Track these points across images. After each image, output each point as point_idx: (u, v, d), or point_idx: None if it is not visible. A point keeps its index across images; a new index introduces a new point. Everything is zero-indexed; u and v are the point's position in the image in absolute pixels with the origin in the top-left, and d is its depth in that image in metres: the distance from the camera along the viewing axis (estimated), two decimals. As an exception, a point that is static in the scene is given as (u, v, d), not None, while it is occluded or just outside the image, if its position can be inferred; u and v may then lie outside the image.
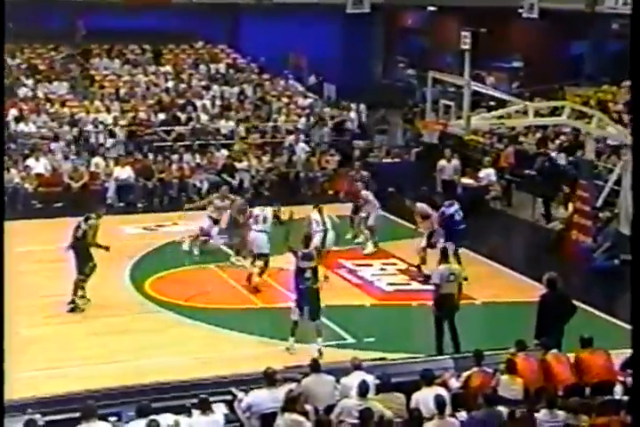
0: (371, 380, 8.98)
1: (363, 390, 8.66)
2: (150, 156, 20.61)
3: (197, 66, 25.55)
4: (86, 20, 25.28)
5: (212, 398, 8.65)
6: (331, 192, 19.81)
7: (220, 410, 8.74)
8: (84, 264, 13.27)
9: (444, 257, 12.05)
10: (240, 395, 8.98)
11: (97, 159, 20.22)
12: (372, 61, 31.68)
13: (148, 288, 14.21)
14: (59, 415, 8.58)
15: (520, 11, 25.86)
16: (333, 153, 21.84)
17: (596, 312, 13.33)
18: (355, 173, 17.42)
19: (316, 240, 14.22)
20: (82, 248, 13.29)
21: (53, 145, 20.46)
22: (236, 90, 24.44)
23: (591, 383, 9.46)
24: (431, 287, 12.02)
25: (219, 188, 18.75)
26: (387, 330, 12.65)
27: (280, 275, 14.73)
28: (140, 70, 24.66)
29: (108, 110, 22.20)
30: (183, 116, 22.46)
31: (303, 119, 23.27)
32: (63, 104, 22.39)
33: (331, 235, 14.92)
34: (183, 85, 24.13)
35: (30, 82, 22.99)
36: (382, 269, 15.39)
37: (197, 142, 21.56)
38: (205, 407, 8.47)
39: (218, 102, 23.61)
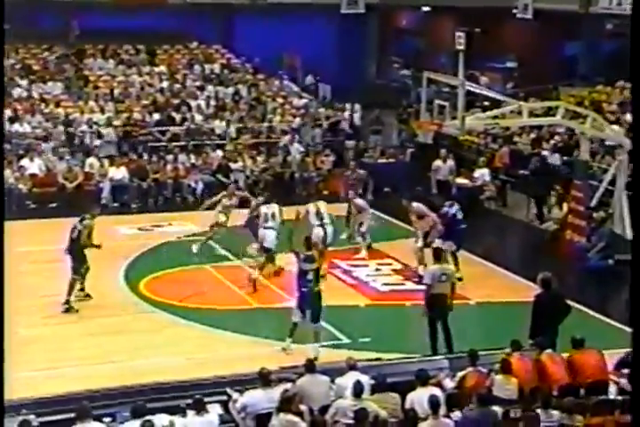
0: (365, 380, 8.99)
1: (357, 390, 8.67)
2: (145, 156, 20.60)
3: (192, 66, 25.53)
4: (80, 20, 25.25)
5: (206, 399, 8.65)
6: (326, 192, 19.80)
7: (214, 410, 8.74)
8: (80, 265, 13.27)
9: (436, 257, 12.06)
10: (235, 395, 8.99)
11: (91, 160, 20.20)
12: (367, 62, 31.70)
13: (142, 288, 14.21)
14: (53, 416, 8.57)
15: (514, 11, 25.91)
16: (328, 153, 21.85)
17: (591, 312, 13.36)
18: (351, 172, 17.42)
19: (316, 236, 14.26)
20: (77, 250, 13.30)
21: (47, 145, 20.43)
22: (230, 90, 24.43)
23: (585, 384, 9.48)
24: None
25: (213, 188, 18.81)
26: (382, 330, 12.66)
27: (274, 275, 14.77)
28: (134, 70, 24.64)
29: (103, 111, 22.18)
30: (178, 117, 22.45)
31: (298, 119, 23.28)
32: (57, 104, 22.36)
33: (330, 230, 14.96)
34: (178, 86, 24.12)
35: (24, 82, 22.95)
36: (377, 270, 15.40)
37: (192, 143, 21.56)
38: (200, 408, 8.47)
39: (212, 103, 23.60)
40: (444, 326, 11.56)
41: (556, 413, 8.52)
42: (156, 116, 22.41)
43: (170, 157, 20.66)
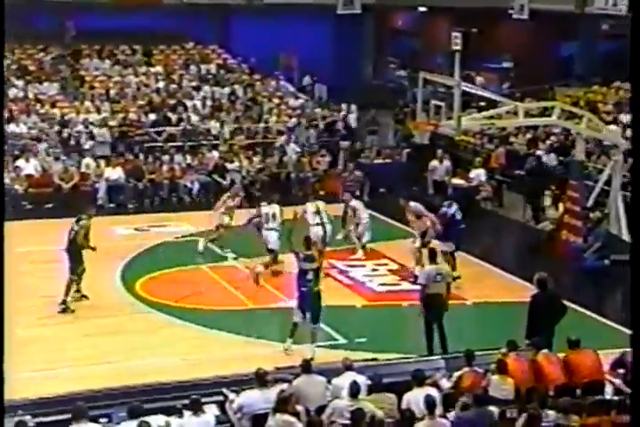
0: (362, 380, 8.99)
1: (354, 390, 8.67)
2: (141, 156, 20.59)
3: (188, 66, 25.52)
4: (76, 21, 25.22)
5: (203, 399, 8.65)
6: (322, 193, 19.80)
7: (211, 411, 8.75)
8: (77, 265, 13.26)
9: (431, 257, 12.06)
10: (231, 396, 8.99)
11: (87, 160, 20.18)
12: (363, 62, 31.69)
13: (139, 289, 14.20)
14: (49, 417, 8.57)
15: (510, 12, 25.92)
16: (324, 154, 21.85)
17: (587, 312, 13.37)
18: (348, 174, 17.42)
19: (315, 235, 14.27)
20: (74, 250, 13.29)
21: (42, 146, 20.40)
22: (226, 90, 24.42)
23: (581, 384, 9.49)
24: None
25: (209, 188, 18.81)
26: (378, 330, 12.66)
27: (270, 275, 14.78)
28: (130, 71, 24.61)
29: (99, 111, 22.17)
30: (174, 117, 22.43)
31: (294, 120, 23.28)
32: (53, 105, 22.34)
33: (329, 228, 14.99)
34: (174, 86, 24.10)
35: (20, 83, 22.92)
36: (374, 270, 15.41)
37: (188, 143, 21.55)
38: (197, 408, 8.47)
39: (209, 103, 23.59)
40: (440, 326, 11.56)
41: (552, 413, 8.52)
42: (153, 117, 22.40)
43: (166, 157, 20.65)
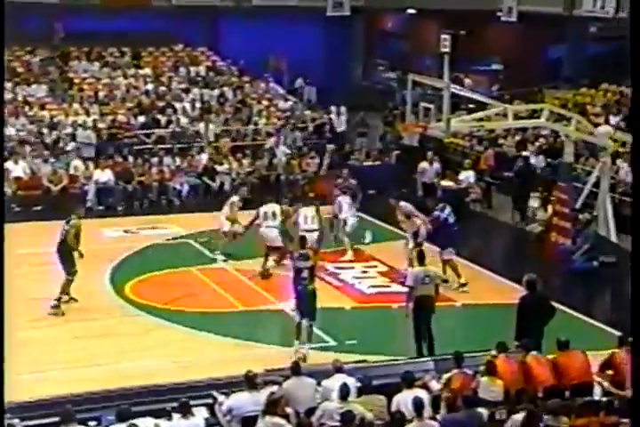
0: (352, 382, 9.00)
1: (344, 392, 8.68)
2: (130, 159, 20.55)
3: (177, 68, 25.50)
4: (64, 23, 25.17)
5: (192, 402, 8.63)
6: (312, 195, 19.80)
7: (200, 414, 8.73)
8: (69, 265, 13.24)
9: (420, 259, 12.07)
10: (221, 398, 8.98)
11: (76, 162, 20.13)
12: (352, 64, 31.72)
13: (128, 292, 14.17)
14: (37, 420, 8.54)
15: (499, 14, 25.99)
16: (314, 156, 21.85)
17: (575, 314, 13.41)
18: (342, 180, 17.39)
19: (309, 240, 14.33)
20: (65, 251, 13.28)
21: (31, 148, 20.34)
22: (216, 93, 24.41)
23: (570, 385, 9.52)
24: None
25: (198, 191, 18.77)
26: (368, 332, 12.67)
27: (260, 277, 14.78)
28: (119, 73, 24.58)
29: (88, 113, 22.12)
30: (163, 119, 22.42)
31: (280, 122, 23.26)
32: (42, 107, 22.29)
33: (325, 232, 15.09)
34: (163, 88, 24.08)
35: (9, 85, 22.84)
36: (364, 272, 15.42)
37: (177, 145, 21.53)
38: (186, 411, 8.46)
39: (198, 105, 23.57)
40: (428, 328, 11.57)
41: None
42: (142, 119, 22.37)
43: (155, 159, 20.62)
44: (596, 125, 18.61)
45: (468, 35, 27.40)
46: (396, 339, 12.29)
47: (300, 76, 28.14)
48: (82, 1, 25.26)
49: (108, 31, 25.11)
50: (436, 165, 19.27)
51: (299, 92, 27.66)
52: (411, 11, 30.45)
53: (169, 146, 21.51)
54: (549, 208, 16.97)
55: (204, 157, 20.99)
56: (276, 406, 8.40)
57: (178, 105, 23.18)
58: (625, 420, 8.56)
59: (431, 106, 16.22)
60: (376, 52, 33.23)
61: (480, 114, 17.47)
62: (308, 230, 14.71)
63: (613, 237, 16.28)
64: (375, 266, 15.72)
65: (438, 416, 8.66)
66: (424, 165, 19.21)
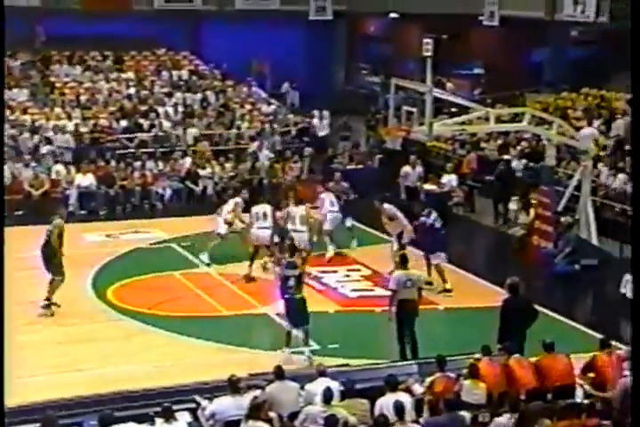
0: (335, 386, 9.02)
1: (327, 396, 8.69)
2: (112, 163, 20.49)
3: (159, 72, 25.46)
4: (46, 26, 25.09)
5: (175, 407, 8.62)
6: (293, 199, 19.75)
7: (183, 418, 8.72)
8: (55, 267, 13.21)
9: (403, 262, 12.10)
10: (204, 403, 8.98)
11: (58, 166, 20.06)
12: (335, 68, 31.79)
13: (110, 296, 14.13)
14: (19, 426, 8.50)
15: (481, 18, 26.12)
16: (297, 160, 21.86)
17: (557, 316, 13.48)
18: (334, 183, 17.42)
19: (300, 240, 14.38)
20: (49, 252, 13.27)
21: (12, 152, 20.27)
22: (198, 97, 24.39)
23: (553, 387, 9.57)
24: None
25: (181, 195, 18.72)
26: (351, 336, 12.69)
27: (243, 282, 14.77)
28: (101, 77, 24.52)
29: (70, 117, 22.05)
30: (145, 123, 22.37)
31: (266, 126, 23.27)
32: (24, 111, 22.19)
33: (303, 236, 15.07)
34: (145, 92, 24.04)
35: (-11, 89, 22.75)
36: (346, 276, 15.44)
37: (160, 149, 21.49)
38: (169, 416, 8.44)
39: (180, 109, 23.55)
40: (411, 331, 11.60)
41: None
42: (124, 123, 22.32)
43: (137, 163, 20.58)
44: (578, 129, 18.73)
45: (451, 39, 27.54)
46: (379, 343, 12.31)
47: (282, 79, 28.21)
48: (63, 5, 25.18)
49: (89, 35, 25.05)
50: (419, 169, 19.33)
51: (284, 96, 27.68)
52: (393, 15, 30.54)
53: (151, 150, 21.46)
54: (531, 212, 17.04)
55: (187, 162, 20.96)
56: (260, 411, 8.40)
57: (160, 109, 23.14)
58: (606, 422, 8.64)
59: (414, 110, 16.23)
60: (359, 56, 33.31)
61: (462, 118, 17.52)
62: (296, 231, 14.81)
63: (594, 241, 16.37)
64: (358, 270, 15.75)
65: (421, 420, 8.70)
66: (407, 168, 19.26)
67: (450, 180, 19.26)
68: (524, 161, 20.44)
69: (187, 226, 18.07)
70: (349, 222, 16.86)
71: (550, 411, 8.68)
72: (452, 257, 15.19)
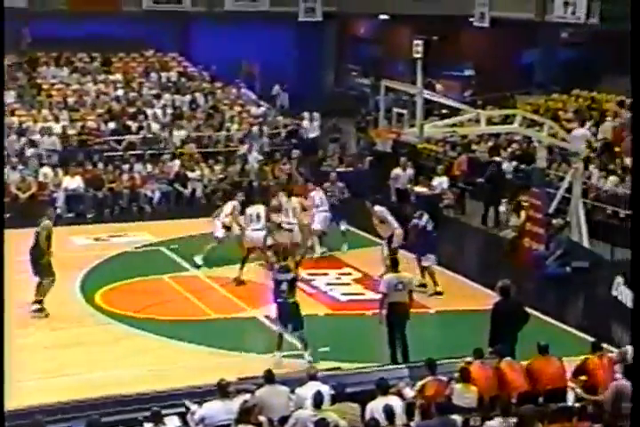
0: (326, 390, 9.02)
1: (317, 401, 8.69)
2: (100, 165, 20.45)
3: (148, 74, 25.43)
4: (32, 28, 25.02)
5: (165, 411, 8.62)
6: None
7: (172, 423, 8.72)
8: (43, 269, 13.19)
9: (393, 265, 12.12)
10: (193, 407, 8.97)
11: (45, 169, 20.02)
12: (325, 70, 31.81)
13: (99, 300, 14.10)
14: (7, 431, 8.46)
15: (471, 19, 26.20)
16: (286, 162, 21.85)
17: (548, 319, 13.51)
18: (330, 184, 17.44)
19: (294, 237, 14.47)
20: (37, 254, 13.26)
21: None
22: (187, 98, 24.37)
23: (544, 391, 9.60)
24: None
25: (170, 198, 18.69)
26: (341, 340, 12.69)
27: (233, 285, 14.76)
28: (89, 79, 24.47)
29: (57, 119, 22.00)
30: (134, 125, 22.34)
31: (254, 128, 23.25)
32: (12, 113, 22.13)
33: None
34: (133, 94, 24.01)
35: (-25, 91, 22.68)
36: (337, 279, 15.45)
37: (148, 152, 21.46)
38: (158, 420, 8.44)
39: (169, 111, 23.52)
40: (402, 335, 11.61)
41: (515, 420, 8.60)
42: (112, 125, 22.29)
43: (126, 166, 20.55)
44: (569, 131, 18.80)
45: (441, 40, 27.60)
46: (370, 346, 12.31)
47: (271, 81, 28.19)
48: (49, 6, 25.11)
49: (77, 36, 25.00)
50: (410, 171, 19.36)
51: (274, 98, 27.67)
52: (383, 16, 30.62)
53: (140, 152, 21.43)
54: (522, 214, 17.09)
55: (176, 164, 20.94)
56: (249, 415, 8.40)
57: (149, 111, 23.12)
58: (597, 425, 8.67)
59: (404, 111, 16.26)
60: (349, 57, 33.36)
61: (453, 120, 17.57)
62: (290, 223, 15.01)
63: (586, 243, 16.43)
64: (349, 273, 15.76)
65: (412, 424, 8.71)
66: (397, 170, 19.28)
67: (440, 182, 19.31)
68: (514, 163, 20.51)
69: (175, 229, 18.04)
70: (344, 226, 16.85)
71: (542, 414, 8.70)
72: (443, 260, 15.23)
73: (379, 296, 12.20)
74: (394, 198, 18.99)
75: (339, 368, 10.75)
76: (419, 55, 15.75)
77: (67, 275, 14.60)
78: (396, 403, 8.76)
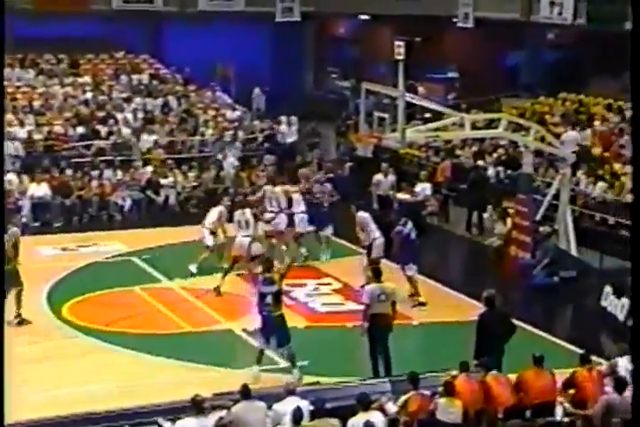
0: (305, 405, 9.01)
1: (297, 416, 8.69)
2: (68, 172, 20.39)
3: (118, 76, 25.39)
4: (-4, 28, 24.90)
5: (136, 429, 8.59)
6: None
7: (145, 441, 8.69)
8: (10, 277, 13.14)
9: (376, 275, 12.15)
10: (166, 425, 8.94)
11: (10, 176, 19.92)
12: (303, 72, 31.90)
13: (66, 313, 14.05)
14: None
15: (455, 20, 26.35)
16: (264, 168, 21.84)
17: (536, 331, 13.57)
18: (319, 185, 17.51)
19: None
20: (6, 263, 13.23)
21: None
22: (159, 102, 24.35)
23: (532, 404, 9.64)
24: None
25: (141, 205, 18.64)
26: (321, 353, 12.68)
27: (208, 296, 14.74)
28: (55, 81, 24.40)
29: (22, 124, 21.91)
30: (103, 130, 22.29)
31: (226, 133, 23.23)
32: (-26, 117, 22.03)
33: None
34: (103, 97, 23.96)
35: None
36: (316, 289, 15.47)
37: (119, 157, 21.41)
38: (129, 439, 8.41)
39: (140, 115, 23.49)
40: (384, 347, 11.64)
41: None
42: (80, 130, 22.22)
43: (95, 172, 20.50)
44: (556, 135, 18.93)
45: (424, 41, 27.73)
46: (351, 359, 12.32)
47: (247, 84, 28.21)
48: (14, 5, 25.00)
49: (43, 37, 24.91)
50: (392, 177, 19.41)
51: (250, 101, 27.67)
52: (363, 16, 30.73)
53: (110, 158, 21.38)
54: (508, 221, 17.18)
55: (148, 170, 20.91)
56: (225, 432, 8.38)
57: (119, 115, 23.07)
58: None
59: (386, 115, 16.32)
60: (328, 59, 33.45)
61: (436, 124, 17.65)
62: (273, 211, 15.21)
63: (574, 251, 16.53)
64: (329, 283, 15.77)
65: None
66: (379, 177, 19.33)
67: (424, 188, 19.38)
68: (500, 169, 20.63)
69: (148, 238, 18.01)
70: (329, 231, 16.89)
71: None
72: (426, 269, 15.28)
73: (360, 307, 12.22)
74: (375, 206, 19.03)
75: (318, 383, 10.75)
76: (400, 57, 15.84)
77: (33, 287, 14.52)
78: (378, 419, 8.77)
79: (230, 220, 15.72)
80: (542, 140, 17.54)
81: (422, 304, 14.49)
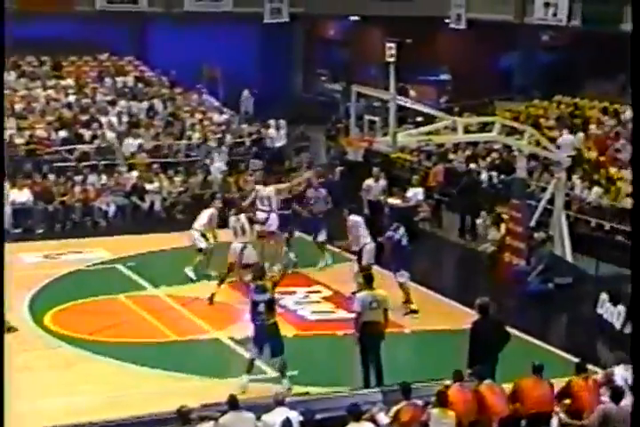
0: (294, 416, 9.01)
1: (286, 428, 8.68)
2: (51, 177, 20.35)
3: (102, 79, 25.37)
4: (-24, 29, 24.88)
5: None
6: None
7: (130, 454, 8.67)
8: None
9: (368, 282, 12.15)
10: (152, 437, 8.93)
11: (-9, 181, 19.89)
12: (292, 74, 31.95)
13: (48, 322, 14.01)
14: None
15: (447, 21, 26.45)
16: (252, 173, 21.83)
17: (530, 339, 13.59)
18: (313, 190, 17.50)
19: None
20: None
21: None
22: (144, 105, 24.33)
23: (528, 414, 9.65)
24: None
25: (126, 211, 18.58)
26: (311, 362, 12.70)
27: (194, 304, 14.72)
28: (38, 84, 24.36)
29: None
30: (87, 134, 22.26)
31: (212, 136, 23.21)
32: (-46, 121, 21.98)
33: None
34: (86, 100, 23.92)
35: None
36: (305, 297, 15.46)
37: (103, 162, 21.37)
38: (114, 451, 8.39)
39: (125, 119, 23.46)
40: (376, 356, 11.63)
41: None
42: (63, 134, 22.17)
43: (78, 177, 20.46)
44: (551, 139, 18.98)
45: (415, 43, 27.77)
46: (342, 369, 12.32)
47: (235, 86, 28.21)
48: (-4, 5, 25.02)
49: (25, 38, 24.70)
50: (383, 182, 19.39)
51: (238, 104, 27.68)
52: (354, 17, 30.81)
53: (94, 163, 21.34)
54: (502, 227, 17.21)
55: (133, 175, 20.88)
56: (212, 444, 8.37)
57: (103, 119, 23.04)
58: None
59: (376, 119, 16.34)
60: (317, 61, 33.52)
61: (428, 127, 17.66)
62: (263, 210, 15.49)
63: (569, 257, 16.58)
64: (319, 291, 15.77)
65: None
66: (370, 181, 19.32)
67: (416, 193, 19.39)
68: (493, 173, 20.68)
69: (132, 245, 17.98)
70: (322, 237, 16.89)
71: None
72: (418, 276, 15.29)
73: (351, 315, 12.22)
74: (366, 211, 19.03)
75: (307, 393, 10.74)
76: (392, 59, 15.87)
77: (14, 294, 14.43)
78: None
79: (222, 224, 15.68)
80: (537, 143, 17.60)
81: (414, 312, 14.49)
